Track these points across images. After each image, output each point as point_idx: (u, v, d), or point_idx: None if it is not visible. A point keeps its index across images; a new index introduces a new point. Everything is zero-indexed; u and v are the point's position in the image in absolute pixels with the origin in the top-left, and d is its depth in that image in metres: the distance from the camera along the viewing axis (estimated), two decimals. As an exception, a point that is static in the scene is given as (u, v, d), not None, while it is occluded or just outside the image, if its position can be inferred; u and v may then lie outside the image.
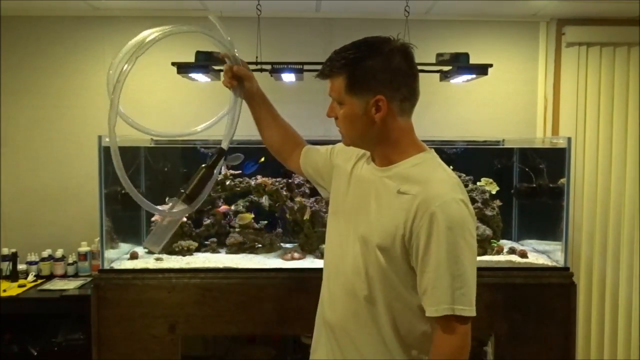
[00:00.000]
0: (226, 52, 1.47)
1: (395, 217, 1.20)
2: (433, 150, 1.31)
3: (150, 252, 2.41)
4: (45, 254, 2.75)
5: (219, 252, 2.46)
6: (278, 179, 2.52)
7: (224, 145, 1.42)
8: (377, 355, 1.26)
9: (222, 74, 1.51)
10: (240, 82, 1.49)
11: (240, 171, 2.55)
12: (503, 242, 2.55)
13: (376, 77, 1.20)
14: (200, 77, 2.33)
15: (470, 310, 1.14)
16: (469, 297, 1.15)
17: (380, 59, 1.20)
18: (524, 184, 2.67)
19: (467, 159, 2.68)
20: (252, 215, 2.49)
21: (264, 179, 2.50)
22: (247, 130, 3.00)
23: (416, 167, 1.24)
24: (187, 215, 1.59)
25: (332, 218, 1.41)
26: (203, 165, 1.39)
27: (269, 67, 2.23)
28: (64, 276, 2.71)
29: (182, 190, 1.34)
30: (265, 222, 2.53)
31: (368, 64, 1.20)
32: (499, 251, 2.42)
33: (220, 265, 2.25)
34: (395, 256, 1.21)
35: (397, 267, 1.21)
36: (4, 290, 2.48)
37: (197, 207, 1.37)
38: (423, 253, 1.16)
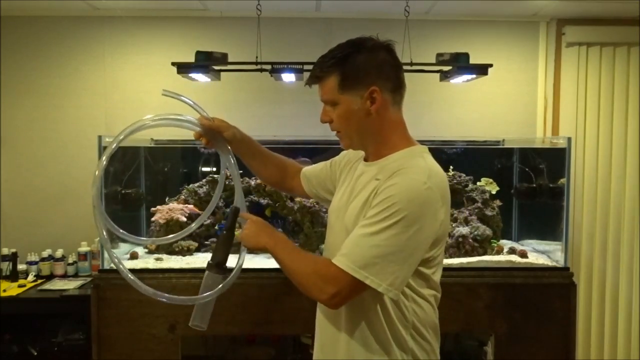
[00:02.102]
0: (200, 121, 1.44)
1: (365, 202, 1.22)
2: (425, 147, 1.32)
3: (150, 252, 2.42)
4: (45, 254, 2.75)
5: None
6: (278, 179, 2.51)
7: (237, 204, 1.42)
8: (366, 345, 1.25)
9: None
10: (219, 137, 1.46)
11: (241, 171, 2.54)
12: (503, 242, 2.55)
13: (366, 70, 1.23)
14: (200, 77, 2.33)
15: (385, 288, 1.14)
16: (383, 275, 1.13)
17: (366, 53, 1.24)
18: (524, 184, 2.67)
19: (467, 159, 2.68)
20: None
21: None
22: (246, 130, 3.01)
23: (399, 160, 1.26)
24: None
25: (328, 220, 1.43)
26: (222, 228, 1.40)
27: (269, 67, 2.23)
28: (64, 276, 2.70)
29: (210, 262, 1.34)
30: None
31: (357, 58, 1.24)
32: (499, 251, 2.42)
33: (220, 266, 2.24)
34: None
35: None
36: (4, 290, 2.48)
37: (233, 273, 1.38)
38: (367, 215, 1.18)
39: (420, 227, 1.15)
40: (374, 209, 1.16)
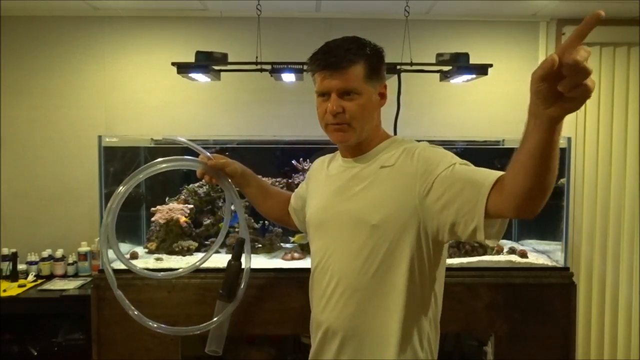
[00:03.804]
0: (201, 159, 1.47)
1: (393, 189, 1.22)
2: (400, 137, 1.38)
3: (150, 252, 2.42)
4: (45, 254, 2.75)
5: (219, 252, 2.45)
6: (278, 179, 2.51)
7: (242, 235, 1.45)
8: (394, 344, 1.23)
9: (206, 159, 1.52)
10: (221, 173, 1.50)
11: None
12: (503, 242, 2.55)
13: (382, 66, 1.29)
14: (200, 77, 2.33)
15: None
16: None
17: (381, 51, 1.30)
18: (524, 184, 2.66)
19: (467, 159, 2.67)
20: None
21: (264, 179, 2.50)
22: (246, 130, 3.01)
23: (388, 147, 1.30)
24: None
25: (313, 231, 1.40)
26: (230, 260, 1.41)
27: (269, 67, 2.23)
28: (64, 276, 2.71)
29: (220, 292, 1.37)
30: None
31: (378, 52, 1.28)
32: (499, 251, 2.42)
33: (220, 265, 2.24)
34: (403, 224, 1.20)
35: (405, 234, 1.21)
36: (4, 290, 2.48)
37: (240, 299, 1.40)
38: (443, 183, 1.15)
39: None
40: (447, 162, 1.17)
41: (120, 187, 1.39)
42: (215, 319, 1.35)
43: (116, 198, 1.38)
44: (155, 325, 1.39)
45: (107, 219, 1.37)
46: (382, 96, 1.30)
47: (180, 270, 1.60)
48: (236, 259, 1.38)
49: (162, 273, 1.57)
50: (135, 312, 1.38)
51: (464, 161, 1.18)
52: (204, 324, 1.34)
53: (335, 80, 1.24)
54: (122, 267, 2.23)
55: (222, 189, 1.50)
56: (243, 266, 1.44)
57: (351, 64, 1.23)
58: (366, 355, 1.25)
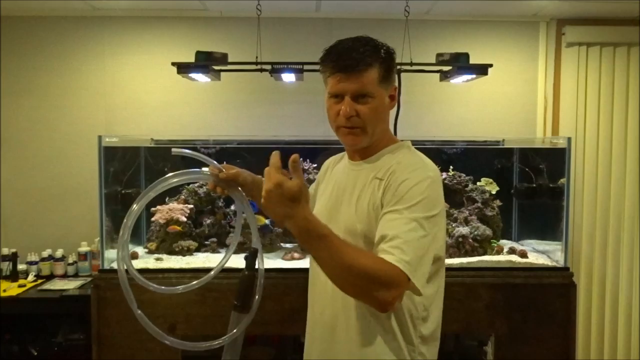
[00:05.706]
0: (212, 171, 1.46)
1: (370, 200, 1.22)
2: (409, 141, 1.35)
3: (150, 252, 2.42)
4: (45, 254, 2.75)
5: (219, 252, 2.45)
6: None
7: (255, 244, 1.44)
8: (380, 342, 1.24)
9: (211, 170, 1.49)
10: (232, 183, 1.49)
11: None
12: (503, 242, 2.55)
13: (394, 69, 1.28)
14: (200, 77, 2.33)
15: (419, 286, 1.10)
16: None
17: (393, 53, 1.28)
18: (524, 184, 2.67)
19: (467, 159, 2.68)
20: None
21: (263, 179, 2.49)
22: (246, 130, 3.01)
23: (391, 155, 1.29)
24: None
25: None
26: (243, 270, 1.40)
27: (269, 67, 2.23)
28: (64, 276, 2.71)
29: (235, 303, 1.36)
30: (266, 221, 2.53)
31: (392, 55, 1.27)
32: (499, 251, 2.42)
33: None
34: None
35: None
36: (4, 290, 2.48)
37: (255, 310, 1.39)
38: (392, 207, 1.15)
39: (442, 219, 1.20)
40: (401, 205, 1.14)
41: (134, 205, 1.37)
42: (234, 331, 1.35)
43: (130, 216, 1.36)
44: (173, 340, 1.38)
45: (123, 236, 1.35)
46: (392, 98, 1.28)
47: (195, 283, 1.58)
48: (250, 269, 1.38)
49: (182, 287, 1.55)
50: (160, 332, 1.37)
51: (414, 216, 1.12)
52: (222, 338, 1.34)
53: (351, 83, 1.21)
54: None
55: (233, 199, 1.48)
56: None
57: (367, 67, 1.21)
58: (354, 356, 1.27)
